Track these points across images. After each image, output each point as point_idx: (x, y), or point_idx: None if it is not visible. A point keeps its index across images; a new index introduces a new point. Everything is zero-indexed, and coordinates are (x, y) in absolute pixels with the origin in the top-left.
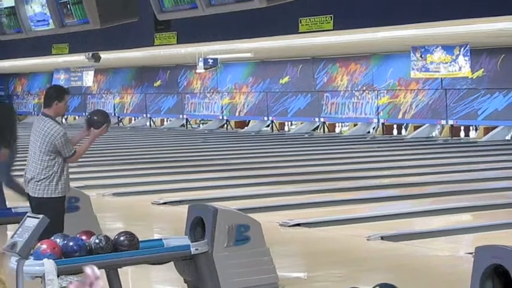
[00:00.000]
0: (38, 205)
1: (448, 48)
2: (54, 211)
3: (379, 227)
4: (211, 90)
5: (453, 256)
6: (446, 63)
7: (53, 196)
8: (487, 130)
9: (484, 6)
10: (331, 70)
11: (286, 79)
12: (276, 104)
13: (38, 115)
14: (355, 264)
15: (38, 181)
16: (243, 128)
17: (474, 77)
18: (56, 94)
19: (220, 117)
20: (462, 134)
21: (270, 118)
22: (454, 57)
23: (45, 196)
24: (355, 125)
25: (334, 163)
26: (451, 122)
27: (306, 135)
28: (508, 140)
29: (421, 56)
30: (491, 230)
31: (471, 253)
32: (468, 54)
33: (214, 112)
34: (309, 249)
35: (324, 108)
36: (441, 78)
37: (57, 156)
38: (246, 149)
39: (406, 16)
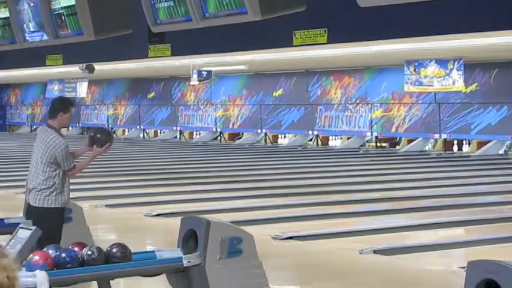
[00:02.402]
0: (37, 215)
1: (442, 63)
2: (53, 222)
3: (371, 240)
4: (205, 103)
5: (445, 270)
6: (440, 77)
7: (52, 207)
8: (480, 144)
9: (478, 21)
10: (325, 83)
11: (280, 92)
12: (269, 117)
13: (39, 126)
14: (348, 278)
15: (39, 191)
16: (235, 139)
17: (468, 91)
18: (61, 105)
19: (214, 130)
20: (455, 148)
21: (264, 131)
22: (447, 71)
23: (45, 206)
24: (348, 138)
25: (327, 176)
26: (444, 136)
27: (300, 148)
28: (501, 155)
29: (414, 70)
30: (483, 244)
31: (463, 267)
32: (462, 68)
33: (207, 124)
34: (301, 262)
35: (317, 121)
36: (435, 92)
37: (58, 168)
38: (239, 161)
39: (400, 30)
